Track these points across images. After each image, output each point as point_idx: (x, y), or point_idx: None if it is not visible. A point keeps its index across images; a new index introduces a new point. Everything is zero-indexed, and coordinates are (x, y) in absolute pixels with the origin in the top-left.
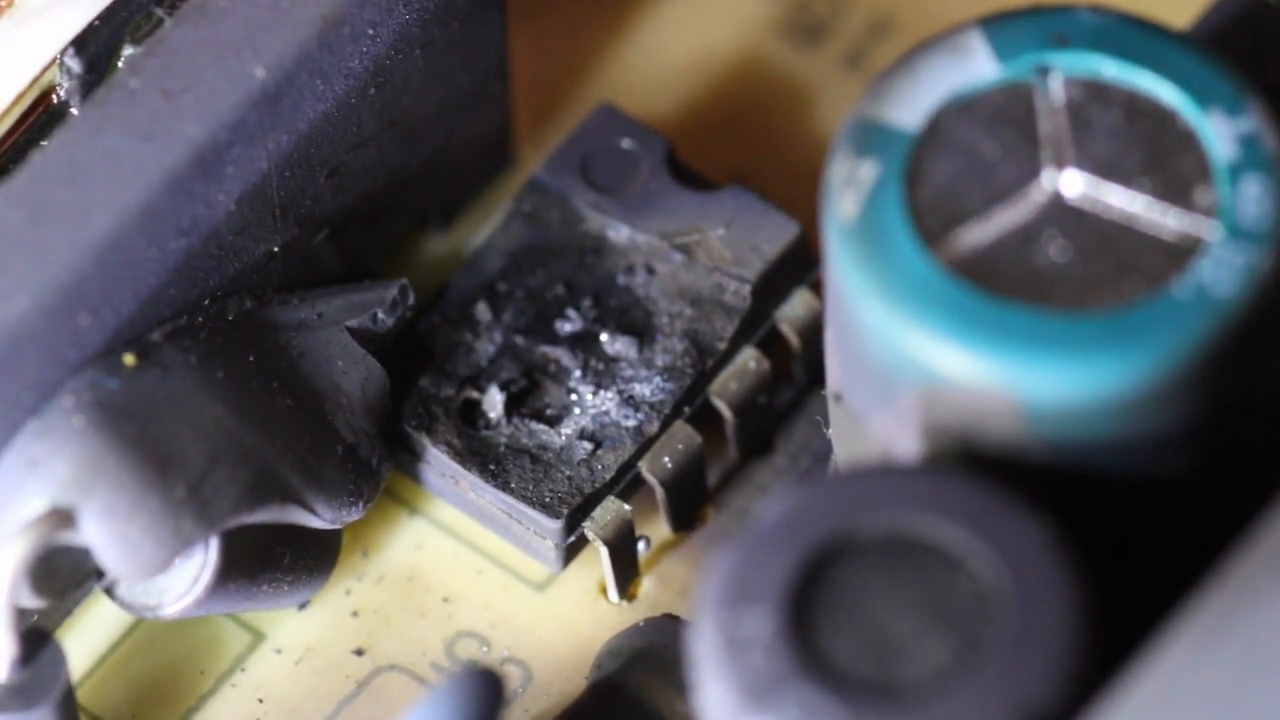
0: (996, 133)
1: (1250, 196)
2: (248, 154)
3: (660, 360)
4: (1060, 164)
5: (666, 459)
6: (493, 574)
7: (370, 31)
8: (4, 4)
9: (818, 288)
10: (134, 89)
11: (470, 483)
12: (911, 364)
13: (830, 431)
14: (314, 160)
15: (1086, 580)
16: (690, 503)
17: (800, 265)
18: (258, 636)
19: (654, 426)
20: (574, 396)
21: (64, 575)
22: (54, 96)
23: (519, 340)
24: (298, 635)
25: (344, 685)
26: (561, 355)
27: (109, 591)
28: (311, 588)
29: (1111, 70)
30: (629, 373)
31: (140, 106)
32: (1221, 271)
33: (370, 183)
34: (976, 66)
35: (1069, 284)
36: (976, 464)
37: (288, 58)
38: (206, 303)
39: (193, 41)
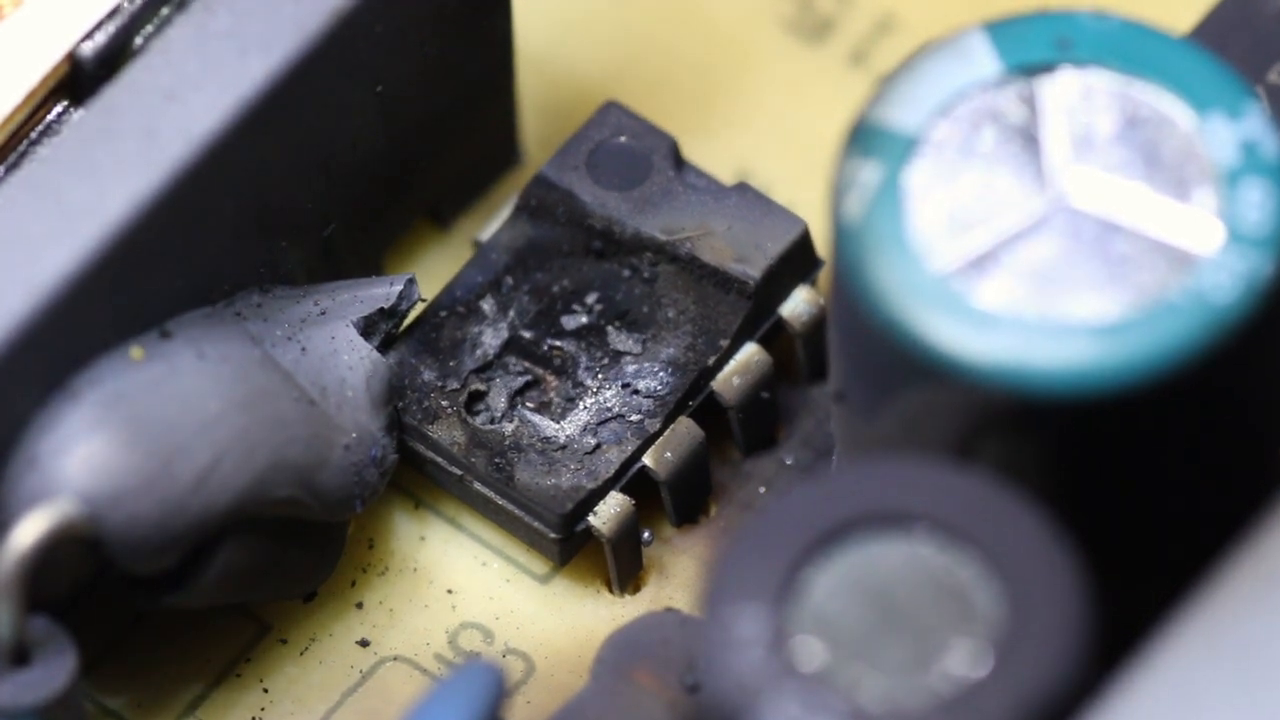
0: (999, 135)
1: (1251, 201)
2: (252, 150)
3: (664, 355)
4: (1062, 167)
5: (670, 453)
6: (496, 566)
7: (376, 27)
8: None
9: (820, 285)
10: (140, 86)
11: (475, 476)
12: (913, 364)
13: (833, 429)
14: (319, 156)
15: (1087, 579)
16: (693, 497)
17: (804, 262)
18: (263, 627)
19: (657, 421)
20: (578, 391)
21: (69, 570)
22: (63, 92)
23: (524, 335)
24: (303, 626)
25: (348, 676)
26: (566, 350)
27: (113, 585)
28: (316, 579)
29: (1114, 74)
30: (633, 368)
31: (145, 104)
32: (1222, 276)
33: (376, 178)
34: (980, 69)
35: (1070, 287)
36: (977, 463)
37: (293, 54)
38: (212, 297)
39: (199, 38)
